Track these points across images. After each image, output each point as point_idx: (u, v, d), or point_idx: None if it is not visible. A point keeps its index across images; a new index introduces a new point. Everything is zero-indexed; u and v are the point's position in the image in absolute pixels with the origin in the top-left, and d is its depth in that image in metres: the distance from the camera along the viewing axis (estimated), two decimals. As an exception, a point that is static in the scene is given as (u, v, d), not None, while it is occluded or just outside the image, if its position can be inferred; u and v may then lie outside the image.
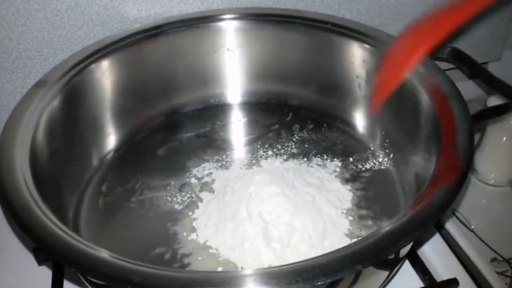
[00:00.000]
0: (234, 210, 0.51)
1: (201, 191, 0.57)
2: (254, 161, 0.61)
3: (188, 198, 0.56)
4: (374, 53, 0.61)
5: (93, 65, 0.59)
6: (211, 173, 0.59)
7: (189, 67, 0.67)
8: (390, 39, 0.61)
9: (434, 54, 0.61)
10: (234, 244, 0.49)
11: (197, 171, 0.60)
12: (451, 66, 0.62)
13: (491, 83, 0.57)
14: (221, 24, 0.66)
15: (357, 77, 0.63)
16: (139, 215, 0.55)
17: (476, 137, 0.58)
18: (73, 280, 0.52)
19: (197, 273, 0.41)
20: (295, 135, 0.65)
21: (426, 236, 0.57)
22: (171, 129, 0.66)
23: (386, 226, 0.39)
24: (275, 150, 0.62)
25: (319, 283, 0.35)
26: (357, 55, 0.62)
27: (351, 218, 0.53)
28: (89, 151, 0.60)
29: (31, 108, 0.52)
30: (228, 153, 0.62)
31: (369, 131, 0.64)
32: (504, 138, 0.65)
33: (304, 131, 0.65)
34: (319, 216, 0.50)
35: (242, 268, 0.48)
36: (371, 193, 0.56)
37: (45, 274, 0.52)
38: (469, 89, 0.78)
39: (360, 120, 0.65)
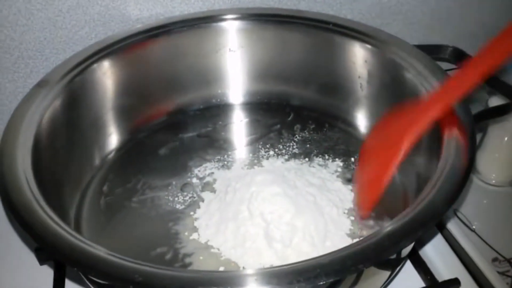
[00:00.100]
0: (236, 210, 0.51)
1: (202, 191, 0.57)
2: (255, 161, 0.61)
3: (190, 198, 0.56)
4: (375, 53, 0.61)
5: (94, 65, 0.59)
6: (212, 173, 0.59)
7: (191, 67, 0.67)
8: (392, 39, 0.61)
9: (435, 54, 0.61)
10: (235, 244, 0.49)
11: (199, 171, 0.60)
12: (452, 66, 0.62)
13: (493, 84, 0.57)
14: (223, 24, 0.66)
15: (359, 77, 0.63)
16: (141, 214, 0.55)
17: (478, 137, 0.58)
18: (74, 280, 0.52)
19: (199, 272, 0.41)
20: (297, 135, 0.64)
21: (427, 236, 0.57)
22: (173, 129, 0.66)
23: (388, 226, 0.39)
24: (276, 150, 0.62)
25: (321, 283, 0.35)
26: (358, 55, 0.62)
27: (352, 218, 0.52)
28: (90, 151, 0.60)
29: (32, 108, 0.52)
30: (229, 153, 0.62)
31: (370, 131, 0.64)
32: (506, 138, 0.65)
33: (305, 131, 0.65)
34: (320, 216, 0.50)
35: (243, 268, 0.48)
36: (372, 193, 0.56)
37: (47, 273, 0.52)
38: (470, 89, 0.78)
39: (361, 120, 0.65)
